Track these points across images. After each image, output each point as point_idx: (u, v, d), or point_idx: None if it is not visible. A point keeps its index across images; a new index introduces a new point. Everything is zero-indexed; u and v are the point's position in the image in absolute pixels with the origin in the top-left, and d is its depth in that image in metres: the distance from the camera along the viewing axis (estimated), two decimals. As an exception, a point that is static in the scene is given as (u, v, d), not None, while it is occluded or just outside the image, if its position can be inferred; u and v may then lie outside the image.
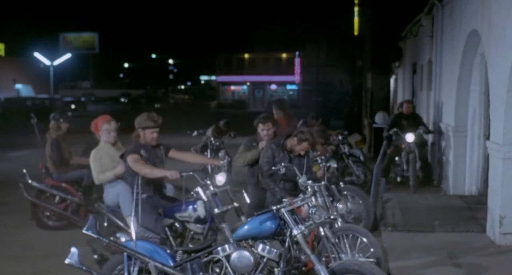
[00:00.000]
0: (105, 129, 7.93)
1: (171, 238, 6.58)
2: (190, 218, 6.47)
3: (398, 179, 12.79)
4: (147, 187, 6.79)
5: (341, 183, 8.91)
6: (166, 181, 7.12)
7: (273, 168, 6.86)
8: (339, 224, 6.64)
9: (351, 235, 6.38)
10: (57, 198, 9.62)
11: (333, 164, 8.17)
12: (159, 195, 6.96)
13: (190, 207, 6.46)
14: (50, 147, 9.79)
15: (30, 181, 9.54)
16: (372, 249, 6.26)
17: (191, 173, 6.44)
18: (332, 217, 6.42)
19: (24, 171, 9.65)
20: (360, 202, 8.70)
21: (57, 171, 9.72)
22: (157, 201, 6.81)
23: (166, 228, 6.59)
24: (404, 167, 12.53)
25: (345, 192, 8.66)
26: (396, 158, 12.82)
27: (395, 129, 12.38)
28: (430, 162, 13.57)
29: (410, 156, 12.09)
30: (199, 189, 6.43)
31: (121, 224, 6.87)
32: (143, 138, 6.84)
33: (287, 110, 9.93)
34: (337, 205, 6.51)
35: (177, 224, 6.60)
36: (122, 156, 6.90)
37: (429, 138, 13.64)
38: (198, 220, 6.45)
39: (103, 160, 7.67)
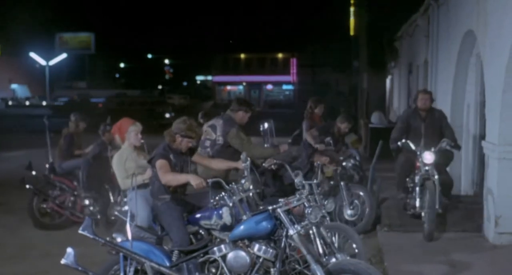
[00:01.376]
0: (132, 130, 7.74)
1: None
2: (216, 226, 6.05)
3: (409, 210, 8.82)
4: (169, 190, 6.41)
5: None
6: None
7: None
8: (328, 221, 6.67)
9: (329, 233, 6.42)
10: (56, 191, 9.70)
11: (348, 163, 8.52)
12: (183, 200, 6.51)
13: (215, 213, 6.03)
14: (63, 138, 10.21)
15: (29, 163, 9.86)
16: (354, 246, 6.32)
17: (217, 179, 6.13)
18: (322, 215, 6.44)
19: (29, 161, 9.97)
20: (366, 202, 8.78)
21: (59, 160, 10.06)
22: (181, 206, 6.39)
23: (191, 236, 6.24)
24: (417, 197, 8.43)
25: (360, 192, 8.77)
26: (407, 179, 9.02)
27: (404, 141, 8.65)
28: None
29: (427, 184, 8.23)
30: (224, 195, 6.05)
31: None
32: (178, 144, 6.46)
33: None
34: (325, 203, 6.50)
35: (202, 232, 6.24)
36: (150, 161, 6.50)
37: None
38: (225, 228, 6.02)
39: (128, 165, 7.50)
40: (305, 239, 5.59)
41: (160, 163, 6.26)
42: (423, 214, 8.25)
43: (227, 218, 5.95)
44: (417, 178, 8.43)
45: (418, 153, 8.37)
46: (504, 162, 7.74)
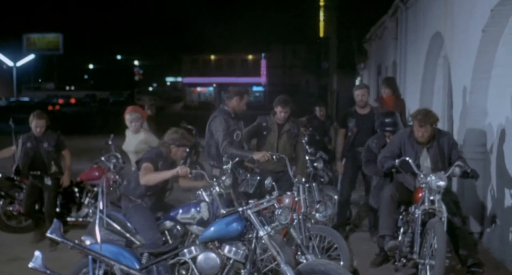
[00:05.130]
0: (126, 119, 8.27)
1: (170, 242, 6.24)
2: (192, 220, 6.19)
3: (398, 261, 6.34)
4: (145, 194, 6.41)
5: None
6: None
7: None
8: (313, 223, 6.70)
9: (319, 236, 6.45)
10: (23, 193, 9.53)
11: (319, 164, 8.57)
12: (159, 202, 6.55)
13: (193, 208, 6.20)
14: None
15: None
16: (341, 253, 6.33)
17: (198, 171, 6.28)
18: (308, 216, 6.50)
19: None
20: (337, 203, 8.81)
21: None
22: (155, 208, 6.43)
23: (166, 232, 6.31)
24: (415, 241, 6.05)
25: (331, 193, 8.81)
26: (401, 217, 6.50)
27: (406, 158, 6.20)
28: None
29: (433, 223, 5.88)
30: (202, 190, 6.27)
31: (118, 227, 6.58)
32: (174, 154, 6.50)
33: (396, 89, 9.73)
34: (318, 206, 6.54)
35: (178, 227, 6.33)
36: (138, 162, 6.48)
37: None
38: (201, 222, 6.16)
39: (140, 146, 8.01)
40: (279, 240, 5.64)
41: (146, 165, 6.30)
42: (420, 266, 5.94)
43: (205, 213, 6.10)
44: (417, 212, 5.99)
45: (422, 176, 6.03)
46: (472, 162, 7.82)
